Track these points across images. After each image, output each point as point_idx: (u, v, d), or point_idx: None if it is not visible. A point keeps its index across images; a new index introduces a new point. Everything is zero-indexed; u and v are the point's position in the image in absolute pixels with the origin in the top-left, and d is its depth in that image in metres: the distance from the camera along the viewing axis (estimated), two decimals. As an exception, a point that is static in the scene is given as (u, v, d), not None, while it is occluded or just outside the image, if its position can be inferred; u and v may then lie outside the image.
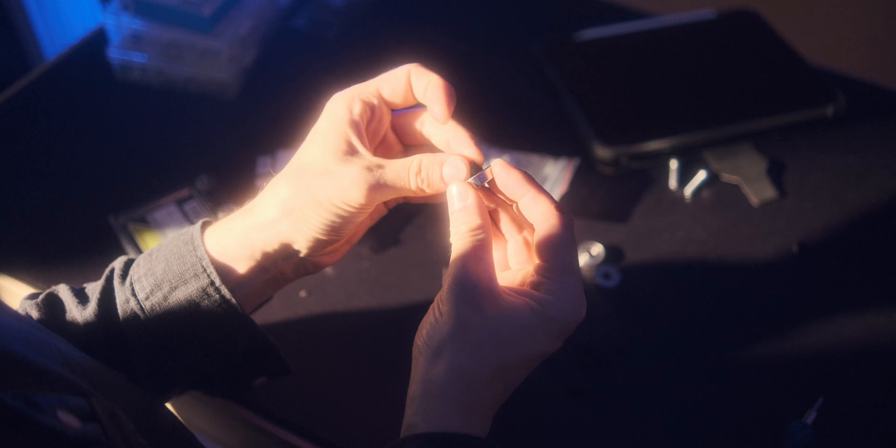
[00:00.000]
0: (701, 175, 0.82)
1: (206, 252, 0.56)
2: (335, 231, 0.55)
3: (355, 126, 0.55)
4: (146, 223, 0.77)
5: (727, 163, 0.84)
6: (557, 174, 0.81)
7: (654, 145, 0.83)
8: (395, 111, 0.59)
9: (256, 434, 0.68)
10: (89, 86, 0.92)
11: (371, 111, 0.56)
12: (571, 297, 0.50)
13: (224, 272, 0.56)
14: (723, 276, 0.76)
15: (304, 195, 0.54)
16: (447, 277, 0.51)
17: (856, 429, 0.66)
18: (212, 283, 0.55)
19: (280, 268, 0.58)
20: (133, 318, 0.56)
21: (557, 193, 0.79)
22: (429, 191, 0.55)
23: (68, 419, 0.41)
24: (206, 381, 0.61)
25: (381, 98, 0.57)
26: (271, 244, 0.56)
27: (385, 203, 0.61)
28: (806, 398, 0.66)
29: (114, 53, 0.90)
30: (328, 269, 0.75)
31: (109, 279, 0.58)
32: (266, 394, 0.67)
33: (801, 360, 0.70)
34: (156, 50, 0.89)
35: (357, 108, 0.55)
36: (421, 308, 0.60)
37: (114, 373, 0.53)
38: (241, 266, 0.57)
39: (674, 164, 0.83)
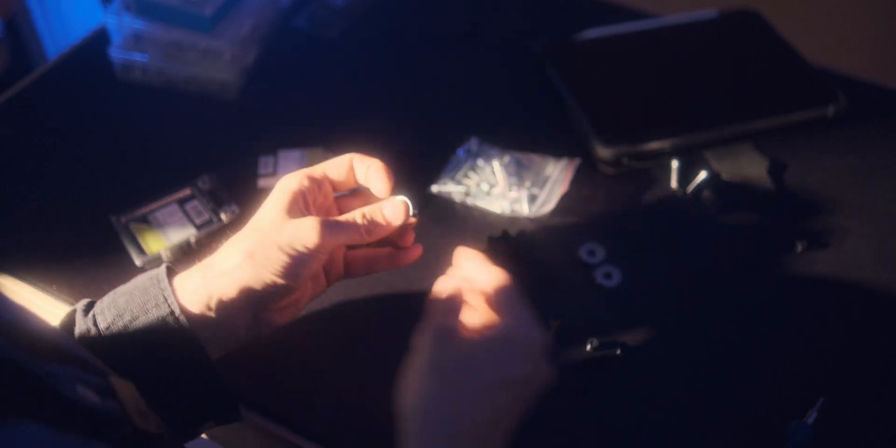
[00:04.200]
0: (702, 175, 0.82)
1: (171, 287, 0.60)
2: (292, 274, 0.59)
3: (303, 195, 0.62)
4: (147, 223, 0.77)
5: (728, 163, 0.84)
6: (558, 174, 0.81)
7: (655, 145, 0.83)
8: (337, 194, 0.67)
9: (256, 433, 0.68)
10: (90, 86, 0.92)
11: (318, 186, 0.64)
12: (528, 323, 0.57)
13: (184, 311, 0.60)
14: (723, 275, 0.76)
15: (263, 241, 0.60)
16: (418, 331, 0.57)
17: (856, 429, 0.66)
18: (171, 312, 0.59)
19: (233, 321, 0.61)
20: (90, 345, 0.58)
21: (558, 193, 0.79)
22: (374, 232, 0.62)
23: (87, 394, 0.42)
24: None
25: (325, 177, 0.64)
26: (229, 291, 0.60)
27: (327, 275, 0.67)
28: (806, 398, 0.66)
29: (115, 53, 0.90)
30: (329, 269, 0.76)
31: (71, 314, 0.61)
32: (266, 393, 0.67)
33: (802, 360, 0.70)
34: (157, 50, 0.89)
35: (305, 182, 0.63)
36: (422, 307, 0.60)
37: None
38: (197, 310, 0.60)
39: (675, 164, 0.83)
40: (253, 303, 0.60)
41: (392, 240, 0.66)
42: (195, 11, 0.86)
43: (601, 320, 0.72)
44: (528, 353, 0.56)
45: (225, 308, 0.60)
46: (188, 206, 0.78)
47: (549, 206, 0.79)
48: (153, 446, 0.46)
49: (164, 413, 0.57)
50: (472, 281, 0.61)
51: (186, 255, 0.76)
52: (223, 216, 0.77)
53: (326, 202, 0.66)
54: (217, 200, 0.79)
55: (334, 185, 0.66)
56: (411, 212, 0.64)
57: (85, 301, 0.62)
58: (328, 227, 0.59)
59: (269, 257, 0.59)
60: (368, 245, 0.66)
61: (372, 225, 0.62)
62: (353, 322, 0.72)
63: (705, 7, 0.98)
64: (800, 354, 0.70)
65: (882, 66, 1.35)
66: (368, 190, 0.65)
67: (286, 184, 0.62)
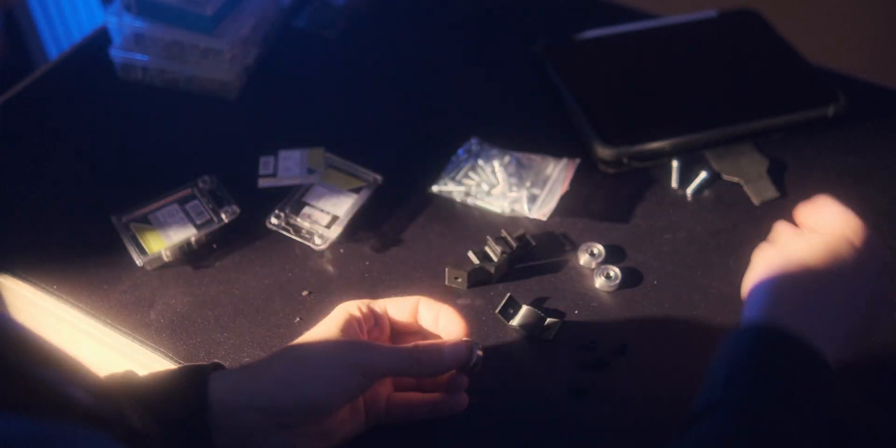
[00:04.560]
0: (702, 175, 0.82)
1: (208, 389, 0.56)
2: (330, 400, 0.56)
3: (359, 322, 0.61)
4: (148, 223, 0.77)
5: (728, 163, 0.84)
6: (558, 174, 0.81)
7: (655, 145, 0.83)
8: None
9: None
10: (91, 86, 0.92)
11: (375, 320, 0.63)
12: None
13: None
14: (724, 275, 0.76)
15: (317, 349, 0.58)
16: None
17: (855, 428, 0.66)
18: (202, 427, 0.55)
19: (256, 434, 0.56)
20: None
21: (558, 193, 0.79)
22: (427, 371, 0.60)
23: (81, 394, 0.42)
24: None
25: (385, 313, 0.63)
26: (262, 401, 0.56)
27: (367, 414, 0.62)
28: (806, 398, 0.66)
29: (115, 53, 0.90)
30: (330, 268, 0.76)
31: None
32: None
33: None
34: (158, 50, 0.89)
35: (364, 309, 0.62)
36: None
37: None
38: (231, 413, 0.56)
39: (675, 164, 0.83)
40: (282, 418, 0.56)
41: (442, 385, 0.63)
42: (196, 11, 0.86)
43: (601, 320, 0.72)
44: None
45: (252, 419, 0.56)
46: (188, 206, 0.78)
47: (549, 206, 0.79)
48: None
49: None
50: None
51: (187, 254, 0.76)
52: (223, 216, 0.77)
53: (381, 337, 0.64)
54: (217, 200, 0.79)
55: (394, 325, 0.64)
56: (473, 358, 0.60)
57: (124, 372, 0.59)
58: (380, 353, 0.58)
59: (309, 373, 0.56)
60: (416, 388, 0.64)
61: (426, 360, 0.59)
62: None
63: (705, 7, 0.98)
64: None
65: (882, 66, 1.34)
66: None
67: (345, 307, 0.62)
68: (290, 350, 0.59)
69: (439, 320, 0.63)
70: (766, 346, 0.56)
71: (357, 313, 0.61)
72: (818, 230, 0.64)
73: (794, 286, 0.60)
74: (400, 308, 0.64)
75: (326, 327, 0.60)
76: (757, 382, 0.54)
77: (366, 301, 0.63)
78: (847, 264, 0.61)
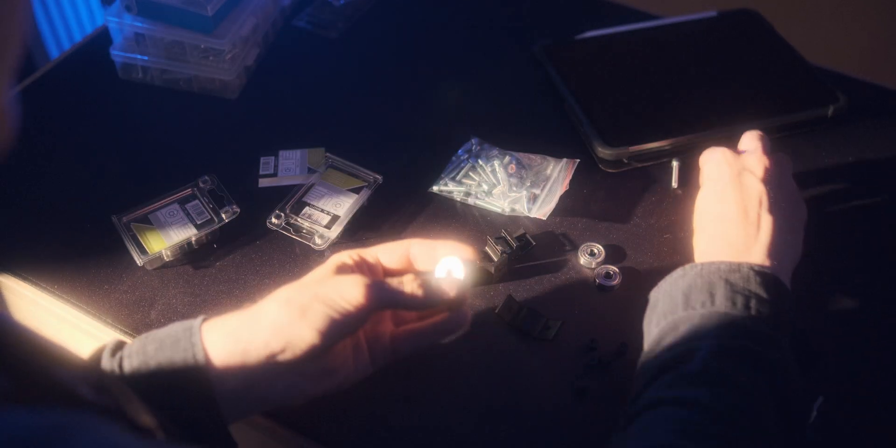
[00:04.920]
0: (674, 164, 0.82)
1: (202, 342, 0.57)
2: (330, 333, 0.56)
3: (351, 269, 0.61)
4: (149, 223, 0.77)
5: (728, 163, 0.84)
6: (558, 174, 0.81)
7: (655, 145, 0.83)
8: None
9: (256, 431, 0.68)
10: (91, 86, 0.92)
11: (367, 266, 0.63)
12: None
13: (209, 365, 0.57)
14: (723, 275, 0.76)
15: (304, 292, 0.58)
16: None
17: (856, 429, 0.66)
18: (197, 368, 0.56)
19: (261, 377, 0.57)
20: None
21: (558, 193, 0.80)
22: (426, 300, 0.60)
23: (84, 389, 0.42)
24: None
25: (378, 262, 0.63)
26: (260, 341, 0.56)
27: (371, 353, 0.63)
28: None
29: (116, 53, 0.90)
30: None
31: (99, 352, 0.59)
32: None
33: (801, 360, 0.70)
34: (158, 50, 0.89)
35: (356, 257, 0.62)
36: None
37: None
38: (225, 362, 0.57)
39: (675, 164, 0.83)
40: (282, 356, 0.57)
41: (440, 310, 0.64)
42: (196, 11, 0.86)
43: (601, 320, 0.72)
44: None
45: (253, 360, 0.56)
46: (189, 206, 0.78)
47: (549, 206, 0.79)
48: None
49: None
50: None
51: (187, 254, 0.76)
52: (223, 216, 0.77)
53: None
54: (217, 200, 0.79)
55: (388, 273, 0.64)
56: (464, 280, 0.60)
57: (115, 341, 0.60)
58: (374, 287, 0.57)
59: (306, 308, 0.56)
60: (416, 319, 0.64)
61: (422, 290, 0.59)
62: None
63: (705, 7, 0.98)
64: (799, 354, 0.70)
65: (882, 66, 1.35)
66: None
67: (337, 256, 0.62)
68: (278, 293, 0.59)
69: (437, 256, 0.62)
70: (736, 275, 0.61)
71: (349, 261, 0.61)
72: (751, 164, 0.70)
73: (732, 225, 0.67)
74: (392, 254, 0.63)
75: (317, 273, 0.61)
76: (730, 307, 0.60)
77: (357, 250, 0.63)
78: (781, 200, 0.68)
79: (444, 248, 0.63)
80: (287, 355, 0.57)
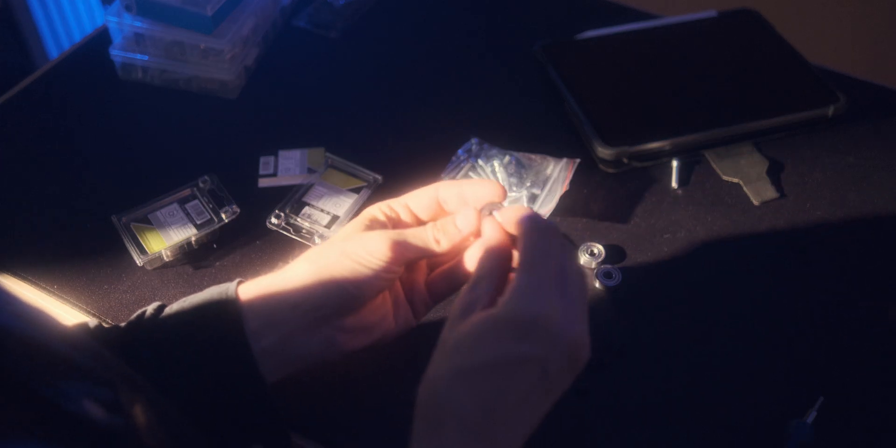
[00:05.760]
0: (673, 164, 0.82)
1: (238, 296, 0.58)
2: (359, 285, 0.57)
3: (382, 224, 0.61)
4: (148, 223, 0.77)
5: (728, 163, 0.84)
6: (558, 174, 0.81)
7: (655, 145, 0.83)
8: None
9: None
10: (91, 86, 0.92)
11: (399, 218, 0.62)
12: (521, 293, 0.50)
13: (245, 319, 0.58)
14: (723, 275, 0.76)
15: (331, 248, 0.58)
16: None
17: (856, 428, 0.66)
18: (234, 322, 0.57)
19: (297, 334, 0.58)
20: (144, 355, 0.57)
21: (558, 193, 0.80)
22: (445, 242, 0.59)
23: (94, 409, 0.41)
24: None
25: (407, 208, 0.62)
26: (292, 298, 0.57)
27: (412, 304, 0.63)
28: (806, 397, 0.66)
29: (116, 53, 0.90)
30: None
31: (141, 314, 0.61)
32: (308, 415, 0.67)
33: (801, 360, 0.70)
34: (158, 50, 0.89)
35: (385, 209, 0.62)
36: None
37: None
38: (259, 320, 0.58)
39: (675, 164, 0.83)
40: (316, 311, 0.58)
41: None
42: (196, 11, 0.86)
43: (601, 320, 0.72)
44: (512, 330, 0.49)
45: (287, 317, 0.57)
46: (189, 206, 0.78)
47: (549, 206, 0.79)
48: None
49: (208, 431, 0.56)
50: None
51: (187, 254, 0.76)
52: (223, 216, 0.77)
53: None
54: (217, 200, 0.79)
55: (419, 219, 0.63)
56: (488, 210, 0.59)
57: (157, 304, 0.61)
58: (399, 241, 0.58)
59: (333, 262, 0.57)
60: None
61: (442, 234, 0.59)
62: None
63: (705, 7, 0.98)
64: (799, 354, 0.70)
65: (882, 66, 1.35)
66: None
67: (369, 210, 0.62)
68: (308, 253, 0.60)
69: (464, 195, 0.61)
70: None
71: (381, 216, 0.61)
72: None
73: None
74: (420, 200, 0.62)
75: (347, 229, 0.61)
76: None
77: (387, 202, 0.62)
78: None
79: (470, 187, 0.61)
80: (323, 312, 0.58)
